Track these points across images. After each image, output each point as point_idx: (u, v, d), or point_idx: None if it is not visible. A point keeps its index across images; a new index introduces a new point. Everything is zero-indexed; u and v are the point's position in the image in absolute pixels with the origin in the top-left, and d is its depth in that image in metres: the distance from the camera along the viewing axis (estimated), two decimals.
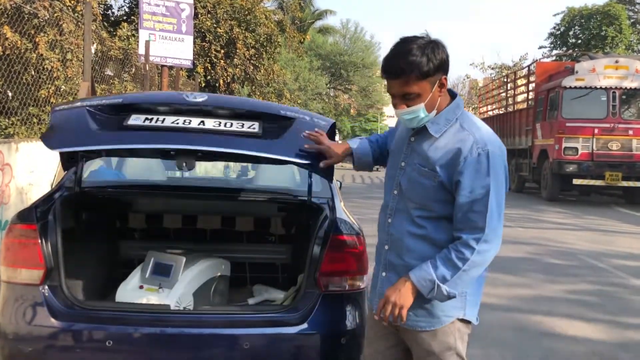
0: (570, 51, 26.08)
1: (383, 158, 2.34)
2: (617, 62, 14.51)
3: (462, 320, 2.05)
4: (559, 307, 5.18)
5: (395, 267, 2.04)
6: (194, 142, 2.37)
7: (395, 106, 1.98)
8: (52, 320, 2.50)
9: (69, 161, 2.95)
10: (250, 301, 3.46)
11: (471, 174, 1.89)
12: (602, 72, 14.28)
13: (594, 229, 10.39)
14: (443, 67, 1.92)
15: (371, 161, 2.35)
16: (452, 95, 2.04)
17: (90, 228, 3.17)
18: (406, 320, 2.00)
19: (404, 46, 1.89)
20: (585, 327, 4.63)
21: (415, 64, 1.86)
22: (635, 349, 4.18)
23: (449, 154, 1.92)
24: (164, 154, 2.71)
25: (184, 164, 2.62)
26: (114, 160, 3.99)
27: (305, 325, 2.58)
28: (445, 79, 1.95)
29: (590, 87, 14.24)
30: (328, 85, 36.68)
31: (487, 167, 1.89)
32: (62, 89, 7.28)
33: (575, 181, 14.17)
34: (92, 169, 3.54)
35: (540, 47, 31.07)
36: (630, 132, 13.99)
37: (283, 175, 3.85)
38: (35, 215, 2.68)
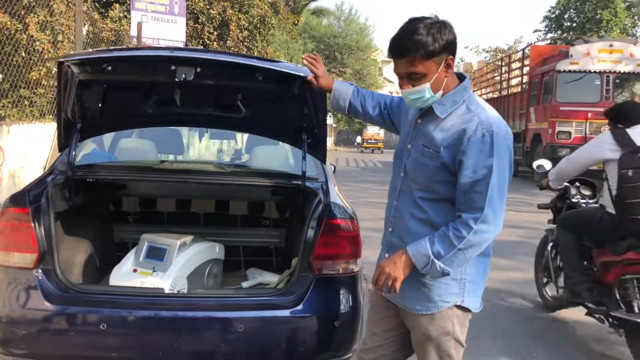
0: (565, 35, 26.03)
1: (364, 113, 2.43)
2: (611, 46, 14.51)
3: (461, 307, 2.05)
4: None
5: (396, 248, 2.06)
6: (193, 56, 2.71)
7: (401, 87, 1.98)
8: (46, 303, 2.50)
9: (67, 131, 2.94)
10: (244, 284, 3.47)
11: (474, 154, 1.89)
12: (596, 56, 14.29)
13: None
14: (449, 47, 1.91)
15: (344, 107, 2.44)
16: (461, 78, 2.04)
17: (84, 211, 3.16)
18: (404, 302, 2.05)
19: (411, 25, 1.89)
20: (575, 309, 4.67)
21: (421, 43, 1.86)
22: None
23: (454, 134, 1.93)
24: (164, 71, 2.70)
25: (184, 75, 2.64)
26: (107, 143, 3.97)
27: (299, 308, 2.60)
28: (452, 59, 1.94)
29: (584, 71, 14.25)
30: None
31: (491, 147, 1.88)
32: (54, 71, 7.20)
33: None
34: (85, 152, 3.52)
35: (535, 31, 31.04)
36: None
37: (277, 159, 3.85)
38: (28, 199, 2.66)
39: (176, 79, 2.64)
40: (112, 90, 3.05)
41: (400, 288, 1.98)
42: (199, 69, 2.65)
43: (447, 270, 1.93)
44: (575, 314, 4.57)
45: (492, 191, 1.89)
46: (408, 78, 1.93)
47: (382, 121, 2.44)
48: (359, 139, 41.37)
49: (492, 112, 1.97)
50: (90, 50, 7.20)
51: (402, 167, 2.10)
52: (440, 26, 1.89)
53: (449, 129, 1.95)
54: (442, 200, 1.99)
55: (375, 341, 2.24)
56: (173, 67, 2.64)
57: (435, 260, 1.91)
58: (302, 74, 2.58)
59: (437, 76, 1.92)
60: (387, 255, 2.11)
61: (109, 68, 2.68)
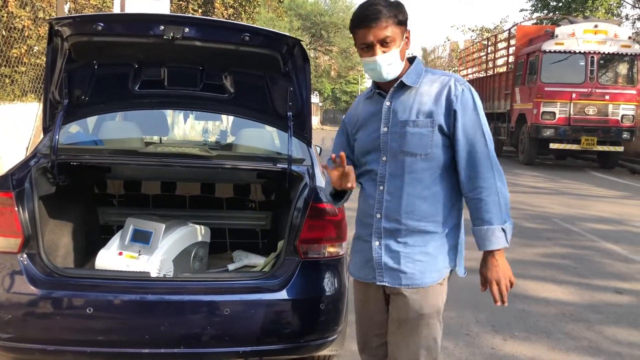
0: (551, 14, 26.01)
1: (356, 165, 2.19)
2: (596, 26, 14.55)
3: (452, 273, 2.14)
4: (532, 270, 5.33)
5: (393, 233, 2.04)
6: (182, 15, 2.66)
7: (369, 56, 2.00)
8: (32, 288, 2.50)
9: (52, 112, 2.95)
10: (230, 267, 3.49)
11: (463, 109, 1.98)
12: (581, 37, 14.34)
13: (568, 193, 10.61)
14: (406, 23, 2.02)
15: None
16: (410, 59, 2.13)
17: (68, 195, 3.13)
18: (407, 281, 2.03)
19: (372, 1, 1.99)
20: (557, 289, 4.78)
21: (392, 9, 1.97)
22: (605, 309, 4.34)
23: (438, 95, 2.00)
24: (153, 30, 2.77)
25: (172, 33, 2.73)
26: (91, 125, 3.92)
27: (284, 292, 2.62)
28: (409, 35, 2.05)
29: (569, 52, 14.31)
30: (308, 47, 36.19)
31: (473, 100, 2.00)
32: (35, 49, 7.07)
33: (552, 145, 14.38)
34: (68, 134, 3.48)
35: (522, 10, 30.96)
36: (607, 97, 14.16)
37: (263, 142, 3.84)
38: (11, 183, 2.64)
39: (164, 36, 2.72)
40: (101, 67, 3.03)
41: (404, 266, 2.02)
42: (187, 29, 2.73)
43: (512, 223, 2.03)
44: (558, 293, 4.66)
45: (490, 144, 2.02)
46: (380, 44, 1.98)
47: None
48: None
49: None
50: None
51: (381, 152, 2.07)
52: (398, 4, 2.00)
53: (428, 93, 2.02)
54: (442, 168, 2.02)
55: (378, 341, 2.21)
56: (162, 27, 2.71)
57: (505, 225, 1.99)
58: (288, 35, 2.70)
59: (402, 47, 2.01)
60: (377, 243, 2.07)
61: (100, 27, 2.72)
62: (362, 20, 1.98)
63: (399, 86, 2.05)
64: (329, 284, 2.72)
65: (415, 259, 2.03)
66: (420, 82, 2.04)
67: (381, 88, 2.11)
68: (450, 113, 1.98)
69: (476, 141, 1.98)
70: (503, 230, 1.98)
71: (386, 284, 2.07)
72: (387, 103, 2.07)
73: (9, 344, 2.55)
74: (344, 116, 2.35)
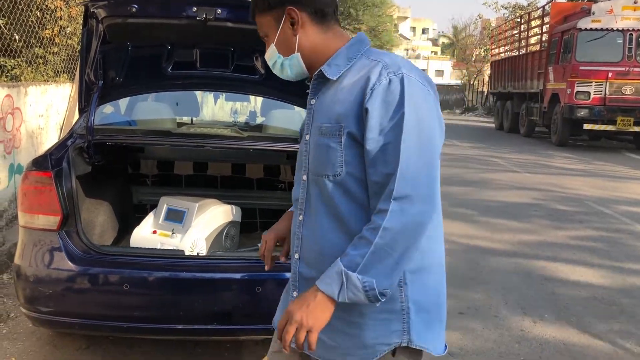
0: None
1: None
2: (635, 2, 14.04)
3: (409, 350, 1.44)
4: (563, 252, 5.26)
5: (307, 282, 1.47)
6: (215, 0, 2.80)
7: None
8: (70, 264, 2.58)
9: (87, 93, 3.02)
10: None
11: (380, 108, 1.36)
12: (619, 13, 13.88)
13: (602, 175, 10.39)
14: (281, 2, 1.48)
15: None
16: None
17: (103, 174, 3.21)
18: (327, 354, 1.48)
19: None
20: (588, 273, 4.72)
21: None
22: (637, 294, 4.28)
23: (354, 91, 1.41)
24: (186, 11, 2.85)
25: (205, 14, 2.78)
26: (123, 106, 3.99)
27: None
28: (295, 10, 1.47)
29: (607, 29, 13.87)
30: None
31: (402, 95, 1.36)
32: (67, 30, 7.18)
33: (586, 126, 14.05)
34: (102, 115, 3.55)
35: None
36: None
37: (292, 123, 3.85)
38: (50, 163, 2.72)
39: (197, 18, 2.77)
40: (135, 49, 3.09)
41: (323, 334, 1.41)
42: (219, 10, 2.77)
43: (370, 283, 1.31)
44: (589, 276, 4.61)
45: (408, 154, 1.33)
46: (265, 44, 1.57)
47: None
48: None
49: (400, 58, 1.48)
50: None
51: (303, 168, 1.54)
52: None
53: (346, 87, 1.44)
54: (365, 195, 1.42)
55: None
56: (195, 9, 2.76)
57: (350, 273, 1.32)
58: None
59: (281, 34, 1.50)
60: (295, 294, 1.54)
61: (134, 9, 2.77)
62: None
63: (319, 78, 1.51)
64: None
65: (336, 329, 1.44)
66: (345, 71, 1.47)
67: None
68: (362, 114, 1.38)
69: (387, 157, 1.34)
70: (345, 276, 1.32)
71: (307, 352, 1.46)
72: (312, 101, 1.54)
73: (49, 318, 2.65)
74: None
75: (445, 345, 1.52)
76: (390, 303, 1.40)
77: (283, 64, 1.53)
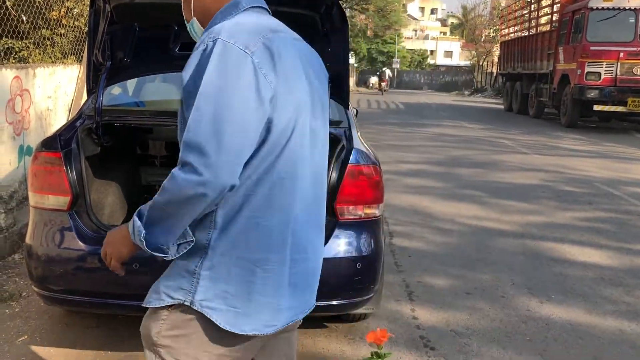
0: None
1: None
2: None
3: (189, 310, 1.41)
4: (570, 233, 5.26)
5: None
6: None
7: None
8: (81, 244, 2.61)
9: (95, 74, 3.02)
10: None
11: (192, 75, 1.33)
12: None
13: (611, 156, 10.32)
14: None
15: None
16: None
17: (112, 155, 3.23)
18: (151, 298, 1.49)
19: None
20: (595, 254, 4.72)
21: None
22: None
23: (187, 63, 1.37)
24: None
25: None
26: (131, 87, 4.00)
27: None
28: None
29: (619, 9, 13.68)
30: (344, 5, 35.55)
31: (207, 60, 1.30)
32: (74, 11, 7.16)
33: (596, 107, 13.93)
34: (110, 96, 3.56)
35: None
36: None
37: None
38: (60, 143, 2.74)
39: None
40: (142, 30, 3.08)
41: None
42: None
43: (143, 233, 1.36)
44: (596, 257, 4.61)
45: (200, 123, 1.27)
46: None
47: None
48: (374, 80, 39.90)
49: (243, 24, 1.38)
50: None
51: None
52: None
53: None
54: None
55: None
56: None
57: (135, 218, 1.38)
58: None
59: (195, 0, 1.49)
60: None
61: None
62: None
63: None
64: (365, 244, 2.76)
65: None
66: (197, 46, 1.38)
67: None
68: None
69: (188, 123, 1.29)
70: (133, 220, 1.38)
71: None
72: None
73: (60, 296, 2.69)
74: None
75: (242, 330, 1.40)
76: (186, 263, 1.41)
77: (190, 29, 1.52)
